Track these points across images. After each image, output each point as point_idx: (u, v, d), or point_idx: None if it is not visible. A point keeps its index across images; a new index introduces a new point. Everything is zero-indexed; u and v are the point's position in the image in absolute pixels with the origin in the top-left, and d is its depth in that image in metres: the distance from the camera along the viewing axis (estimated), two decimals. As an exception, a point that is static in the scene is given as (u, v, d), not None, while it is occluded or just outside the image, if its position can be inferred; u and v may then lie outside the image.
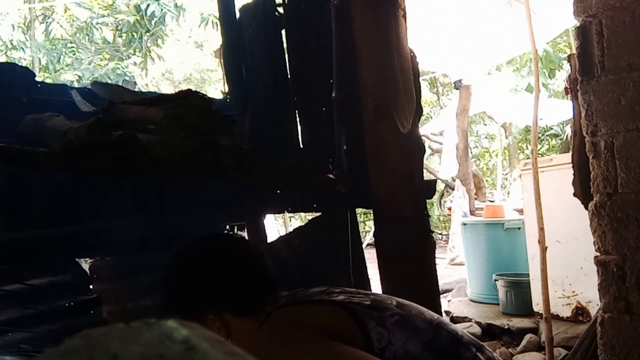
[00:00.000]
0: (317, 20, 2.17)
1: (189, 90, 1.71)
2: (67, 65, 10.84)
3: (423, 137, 3.96)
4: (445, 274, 5.90)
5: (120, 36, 11.14)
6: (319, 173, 2.11)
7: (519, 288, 3.74)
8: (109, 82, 7.86)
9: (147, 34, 10.59)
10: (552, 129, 11.16)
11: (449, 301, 4.50)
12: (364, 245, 3.84)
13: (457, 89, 6.93)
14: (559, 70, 8.23)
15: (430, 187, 2.19)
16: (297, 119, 2.30)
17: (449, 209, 7.27)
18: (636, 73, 1.53)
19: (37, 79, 1.94)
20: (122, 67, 10.25)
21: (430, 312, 1.06)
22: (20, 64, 1.91)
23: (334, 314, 0.97)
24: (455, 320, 3.87)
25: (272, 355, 0.92)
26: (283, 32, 2.32)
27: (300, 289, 1.13)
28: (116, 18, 10.71)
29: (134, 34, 10.75)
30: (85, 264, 1.98)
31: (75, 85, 8.25)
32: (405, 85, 1.80)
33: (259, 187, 2.38)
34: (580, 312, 3.36)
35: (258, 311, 1.06)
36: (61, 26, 11.18)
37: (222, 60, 2.53)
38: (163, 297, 1.15)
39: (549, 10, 3.98)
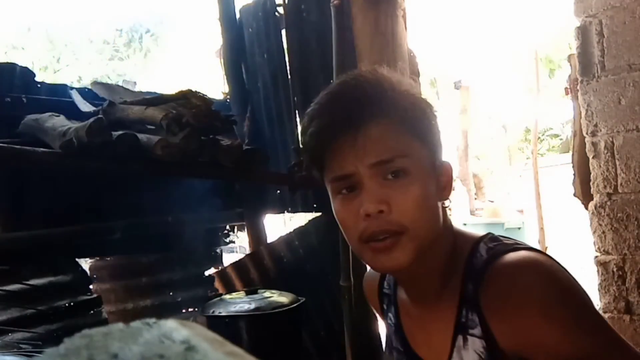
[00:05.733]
0: (317, 20, 2.17)
1: (189, 90, 1.71)
2: (67, 65, 10.84)
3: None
4: (445, 274, 5.88)
5: (121, 36, 11.14)
6: (319, 173, 2.11)
7: (519, 288, 3.74)
8: (109, 82, 7.85)
9: (147, 34, 10.59)
10: (552, 129, 11.16)
11: (449, 301, 4.49)
12: (364, 245, 3.83)
13: (457, 89, 6.93)
14: (559, 70, 8.23)
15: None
16: (297, 119, 2.30)
17: (449, 209, 7.27)
18: (636, 73, 1.53)
19: (37, 79, 1.93)
20: (122, 67, 10.25)
21: None
22: (20, 64, 1.91)
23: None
24: (455, 320, 3.87)
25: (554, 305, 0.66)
26: (283, 32, 2.32)
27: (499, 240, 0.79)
28: (116, 18, 10.72)
29: (134, 34, 10.75)
30: (85, 264, 1.98)
31: (75, 85, 8.23)
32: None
33: (259, 187, 2.38)
34: (580, 312, 3.36)
35: None
36: (61, 26, 11.18)
37: (222, 60, 2.53)
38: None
39: (549, 10, 3.98)
